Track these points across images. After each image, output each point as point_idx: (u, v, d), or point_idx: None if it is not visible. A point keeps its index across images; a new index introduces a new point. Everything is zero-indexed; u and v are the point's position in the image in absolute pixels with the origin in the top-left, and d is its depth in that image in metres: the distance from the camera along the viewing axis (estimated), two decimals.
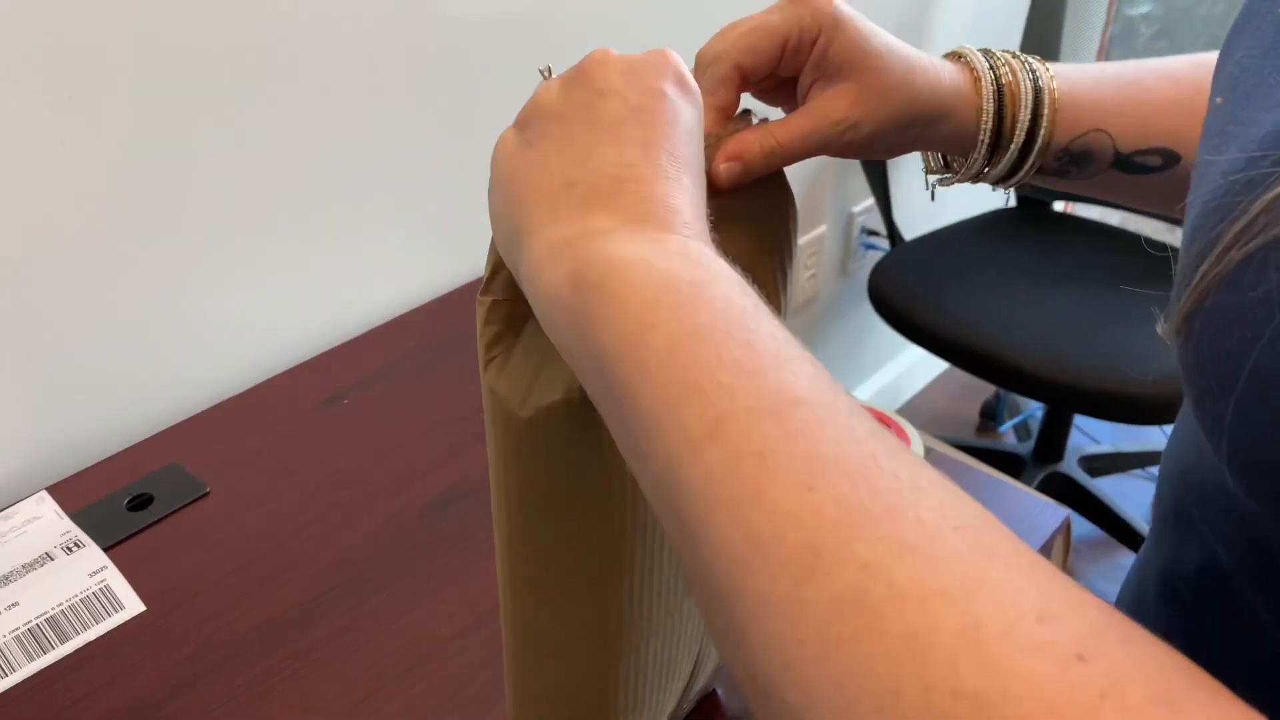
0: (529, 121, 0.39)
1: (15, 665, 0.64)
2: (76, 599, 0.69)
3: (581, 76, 0.38)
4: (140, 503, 0.77)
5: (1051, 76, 0.52)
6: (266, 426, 0.85)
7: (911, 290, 1.59)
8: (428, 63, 0.96)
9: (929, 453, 0.78)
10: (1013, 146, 0.52)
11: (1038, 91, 0.51)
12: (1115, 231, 1.72)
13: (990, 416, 2.10)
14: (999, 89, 0.51)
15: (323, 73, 0.88)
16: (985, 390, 2.16)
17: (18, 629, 0.67)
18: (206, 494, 0.78)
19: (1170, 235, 1.98)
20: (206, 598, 0.69)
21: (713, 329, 0.30)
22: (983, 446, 1.94)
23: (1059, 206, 1.85)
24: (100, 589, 0.70)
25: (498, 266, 0.40)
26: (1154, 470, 1.92)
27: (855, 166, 1.73)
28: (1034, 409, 2.05)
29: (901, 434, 0.70)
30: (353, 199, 0.96)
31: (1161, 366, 1.36)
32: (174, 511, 0.77)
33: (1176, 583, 0.45)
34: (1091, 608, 0.23)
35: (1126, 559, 1.78)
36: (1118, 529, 1.74)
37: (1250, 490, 0.32)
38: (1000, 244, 1.71)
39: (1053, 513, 0.75)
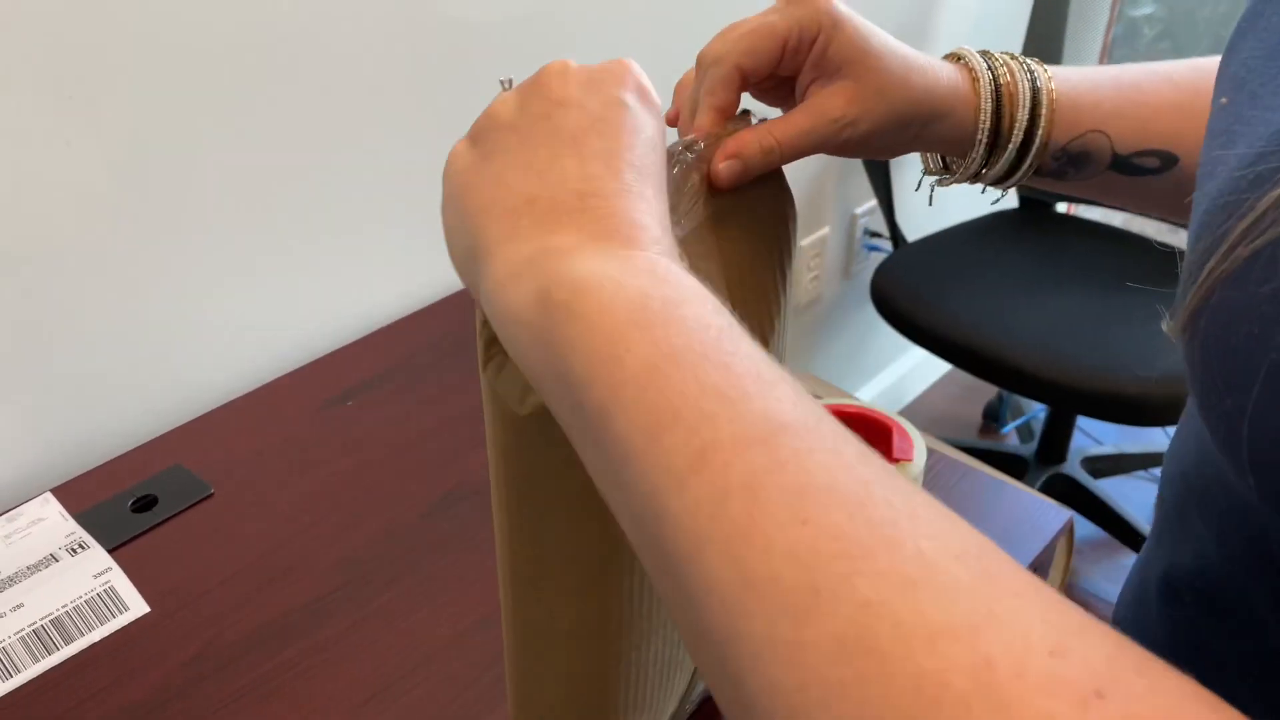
0: (484, 134, 0.37)
1: (20, 667, 0.64)
2: (81, 600, 0.69)
3: (539, 88, 0.37)
4: (144, 504, 0.77)
5: (1049, 78, 0.52)
6: (270, 428, 0.86)
7: (914, 292, 1.59)
8: (429, 63, 0.96)
9: (931, 454, 0.78)
10: (1011, 146, 0.52)
11: (1035, 92, 0.51)
12: (1118, 233, 1.72)
13: (993, 418, 2.10)
14: (997, 89, 0.51)
15: (324, 73, 0.89)
16: (988, 391, 2.15)
17: (22, 630, 0.67)
18: (210, 495, 0.79)
19: (1173, 237, 1.97)
20: (211, 599, 0.69)
21: (688, 351, 0.29)
22: (985, 448, 1.94)
23: (1061, 208, 1.85)
24: (105, 590, 0.70)
25: None
26: (1157, 471, 1.92)
27: (858, 168, 1.73)
28: (1037, 410, 2.05)
29: (905, 436, 0.70)
30: (355, 200, 0.96)
31: (1164, 368, 1.36)
32: (178, 513, 0.77)
33: (1177, 582, 0.45)
34: (1099, 635, 0.23)
35: (1129, 560, 1.77)
36: (1120, 530, 1.74)
37: (1260, 489, 0.32)
38: (1003, 245, 1.71)
39: (1055, 514, 0.75)
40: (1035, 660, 0.21)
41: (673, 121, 0.51)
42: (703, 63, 0.48)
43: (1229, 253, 0.31)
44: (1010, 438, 2.08)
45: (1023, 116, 0.51)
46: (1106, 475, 1.90)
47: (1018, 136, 0.52)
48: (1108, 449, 1.93)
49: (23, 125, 0.73)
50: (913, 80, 0.49)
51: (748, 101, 0.50)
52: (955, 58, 0.53)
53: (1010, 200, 1.89)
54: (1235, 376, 0.31)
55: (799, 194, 1.57)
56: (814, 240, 1.71)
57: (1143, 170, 0.53)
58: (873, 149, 0.50)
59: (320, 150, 0.91)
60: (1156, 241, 1.63)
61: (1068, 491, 1.78)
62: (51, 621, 0.67)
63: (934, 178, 0.58)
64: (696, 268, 0.45)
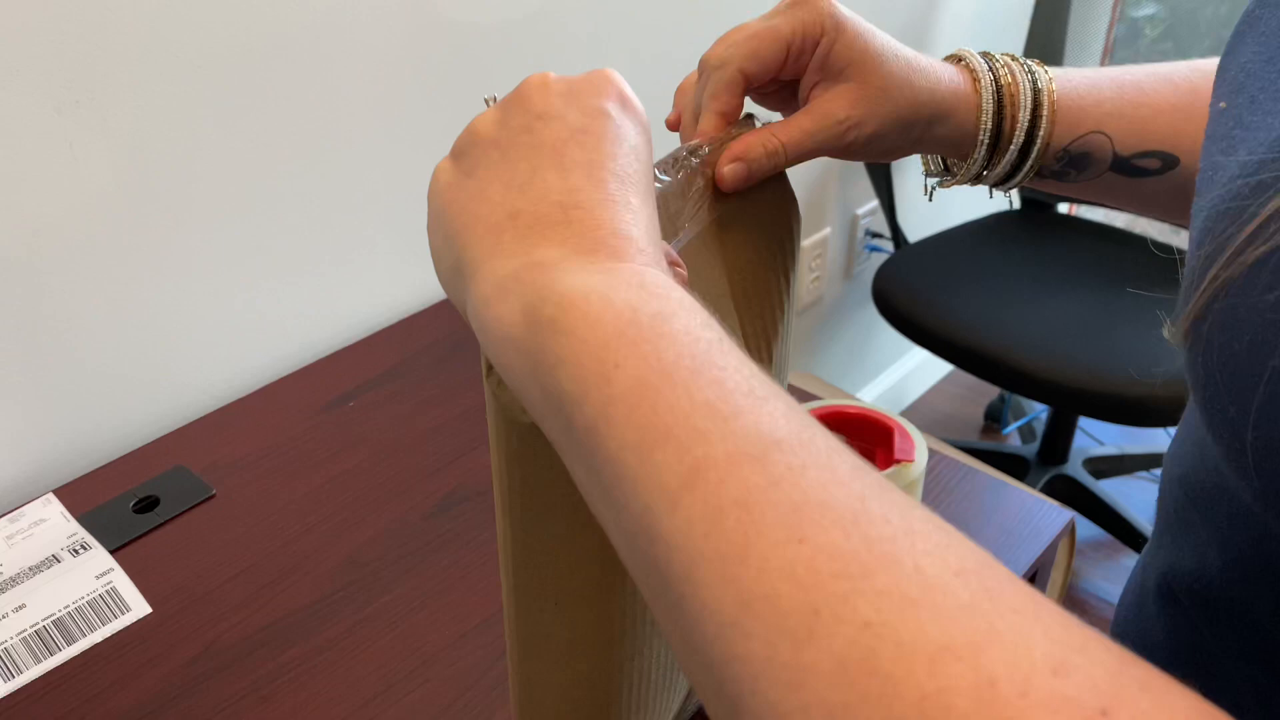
0: (466, 150, 0.37)
1: (22, 667, 0.65)
2: (83, 601, 0.69)
3: (519, 101, 0.36)
4: (147, 505, 0.78)
5: (1050, 79, 0.52)
6: (272, 429, 0.86)
7: (916, 292, 1.59)
8: (433, 66, 0.96)
9: (933, 455, 0.78)
10: (1012, 147, 0.52)
11: (1036, 93, 0.51)
12: (1120, 233, 1.71)
13: (995, 419, 2.10)
14: (998, 90, 0.51)
15: (328, 75, 0.89)
16: (990, 392, 2.15)
17: (24, 631, 0.67)
18: (212, 496, 0.79)
19: (1176, 238, 1.97)
20: (212, 600, 0.70)
21: (679, 367, 0.28)
22: (987, 449, 1.94)
23: (1063, 208, 1.85)
24: (106, 591, 0.70)
25: None
26: (1158, 472, 1.92)
27: (860, 169, 1.73)
28: (1038, 411, 2.05)
29: (906, 437, 0.70)
30: (357, 201, 0.96)
31: (1166, 369, 1.36)
32: (180, 514, 0.77)
33: (1177, 585, 0.45)
34: (1102, 650, 0.22)
35: (1131, 561, 1.77)
36: (1122, 531, 1.73)
37: (1263, 495, 0.32)
38: (1005, 246, 1.71)
39: (1057, 515, 0.75)
40: (1039, 678, 0.21)
41: (674, 126, 0.51)
42: (706, 67, 0.48)
43: (1232, 259, 0.31)
44: (1012, 438, 2.08)
45: (1024, 117, 0.51)
46: (1108, 476, 1.90)
47: (1019, 138, 0.52)
48: (1109, 450, 1.93)
49: (30, 129, 0.73)
50: (915, 82, 0.49)
51: (750, 106, 0.50)
52: (956, 59, 0.53)
53: (1012, 199, 1.89)
54: (1238, 384, 0.31)
55: (800, 195, 1.57)
56: (816, 241, 1.71)
57: (1143, 171, 0.53)
58: (876, 151, 0.50)
59: (323, 151, 0.91)
60: (1154, 243, 1.63)
61: (1069, 492, 1.78)
62: (53, 622, 0.68)
63: (935, 179, 0.58)
64: (701, 272, 0.46)
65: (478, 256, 0.34)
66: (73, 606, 0.69)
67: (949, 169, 0.57)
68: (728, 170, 0.45)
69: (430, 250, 0.38)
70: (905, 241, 1.74)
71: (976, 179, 0.55)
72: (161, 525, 0.76)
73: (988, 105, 0.51)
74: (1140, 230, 1.78)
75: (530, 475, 0.41)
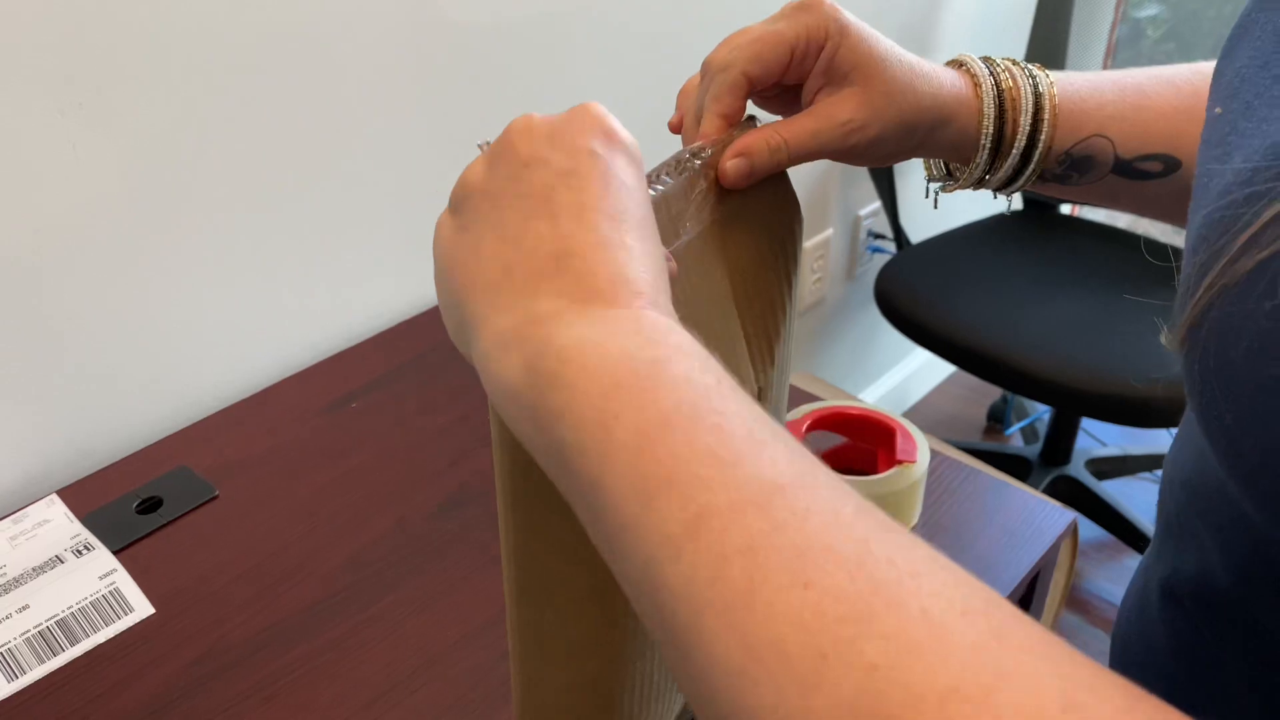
0: (460, 203, 0.37)
1: (26, 668, 0.65)
2: (86, 602, 0.69)
3: (505, 148, 0.36)
4: (149, 506, 0.78)
5: (1051, 83, 0.52)
6: (275, 430, 0.86)
7: (918, 293, 1.59)
8: (437, 68, 0.97)
9: (935, 456, 0.78)
10: (1014, 151, 0.52)
11: (1038, 97, 0.51)
12: (1123, 234, 1.71)
13: (997, 419, 2.10)
14: (999, 94, 0.51)
15: (331, 77, 0.89)
16: (992, 393, 2.15)
17: (28, 631, 0.67)
18: (215, 497, 0.79)
19: (1178, 238, 1.97)
20: (215, 600, 0.70)
21: (678, 414, 0.29)
22: (990, 449, 1.94)
23: (1066, 209, 1.85)
24: (110, 592, 0.70)
25: None
26: (1160, 473, 1.91)
27: (862, 169, 1.73)
28: (1041, 412, 2.05)
29: (908, 437, 0.70)
30: (360, 202, 0.96)
31: (1169, 370, 1.36)
32: (183, 514, 0.77)
33: (1178, 588, 0.45)
34: (1112, 689, 0.22)
35: (1133, 562, 1.77)
36: (1125, 532, 1.73)
37: (1260, 501, 0.32)
38: (1007, 247, 1.71)
39: (1060, 516, 0.75)
40: (1050, 718, 0.21)
41: (676, 128, 0.51)
42: (709, 69, 0.48)
43: (1227, 267, 0.31)
44: (1014, 439, 2.08)
45: (1025, 121, 0.51)
46: (1111, 477, 1.90)
47: (1020, 141, 0.52)
48: (1112, 451, 1.93)
49: (35, 131, 0.73)
50: (918, 86, 0.49)
51: (752, 109, 0.50)
52: (957, 64, 0.53)
53: (1015, 201, 1.89)
54: (1235, 390, 0.31)
55: (802, 195, 1.57)
56: (818, 242, 1.71)
57: (1145, 174, 0.53)
58: (877, 155, 0.50)
59: (326, 153, 0.91)
60: (1146, 246, 1.63)
61: (1072, 493, 1.78)
62: (57, 623, 0.68)
63: (938, 184, 0.58)
64: (703, 273, 0.46)
65: (478, 314, 0.34)
66: (76, 607, 0.69)
67: (951, 173, 0.57)
68: (730, 165, 0.45)
69: (439, 303, 0.38)
70: (908, 242, 1.74)
71: (979, 183, 0.55)
72: (164, 526, 0.76)
73: (989, 109, 0.51)
74: (1143, 231, 1.78)
75: (532, 477, 0.41)
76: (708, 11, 1.22)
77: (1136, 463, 1.92)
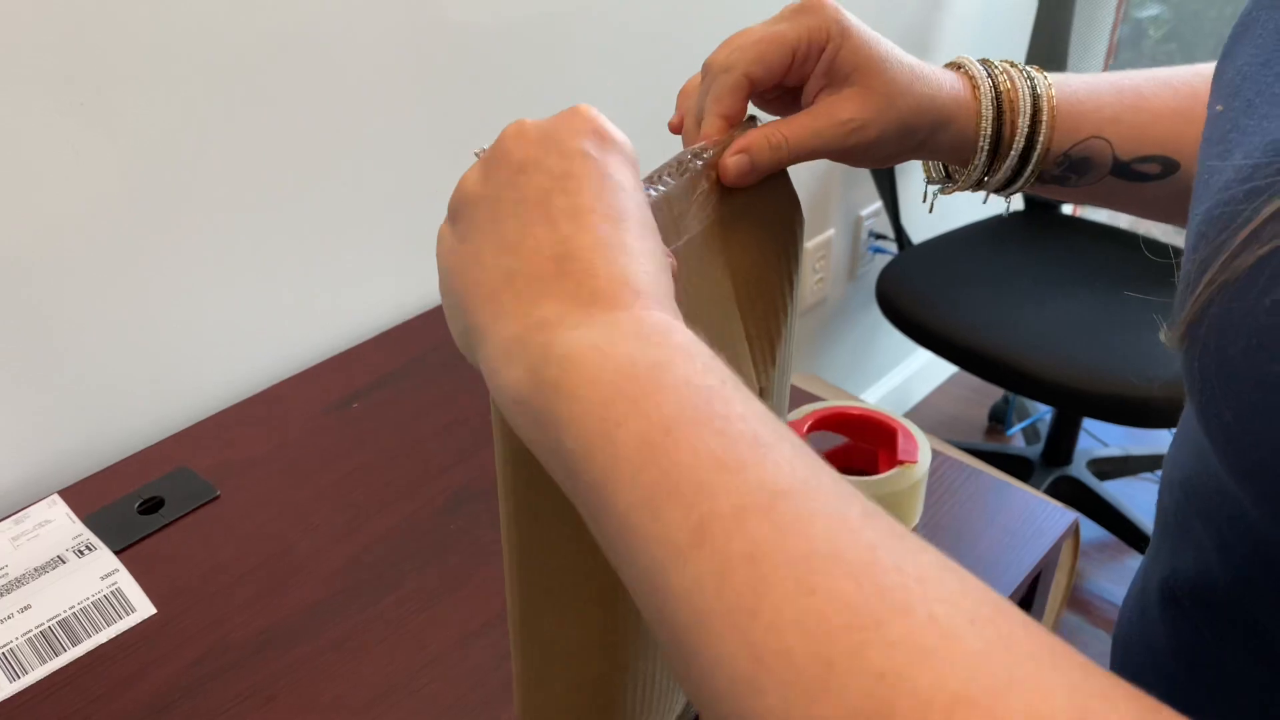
0: (458, 211, 0.37)
1: (28, 668, 0.65)
2: (88, 602, 0.69)
3: (500, 155, 0.36)
4: (151, 506, 0.78)
5: (1050, 85, 0.52)
6: (276, 430, 0.86)
7: (919, 294, 1.59)
8: (438, 67, 0.97)
9: (937, 456, 0.78)
10: (1012, 153, 0.52)
11: (1036, 99, 0.52)
12: (1124, 234, 1.71)
13: (999, 420, 2.10)
14: (997, 96, 0.52)
15: (332, 77, 0.89)
16: (994, 394, 2.15)
17: (30, 631, 0.67)
18: (217, 497, 0.79)
19: (1178, 238, 1.97)
20: (217, 600, 0.70)
21: (680, 420, 0.28)
22: (991, 450, 1.94)
23: (1067, 209, 1.85)
24: (111, 592, 0.70)
25: None
26: None
27: (863, 170, 1.73)
28: (1043, 412, 2.05)
29: (909, 438, 0.70)
30: (361, 202, 0.96)
31: (1170, 370, 1.36)
32: (185, 515, 0.77)
33: (1178, 588, 0.45)
34: (1123, 698, 0.22)
35: (1135, 562, 1.77)
36: (1127, 532, 1.73)
37: (1259, 499, 0.32)
38: (1009, 247, 1.71)
39: (1061, 516, 0.75)
40: None
41: (676, 128, 0.51)
42: (710, 70, 0.48)
43: (1228, 263, 0.31)
44: (1016, 440, 2.08)
45: (1023, 123, 0.51)
46: (1112, 477, 1.90)
47: (1019, 143, 0.52)
48: (1114, 451, 1.93)
49: (29, 130, 0.73)
50: (918, 89, 0.49)
51: (753, 111, 0.50)
52: (956, 66, 0.53)
53: (1016, 202, 1.89)
54: (1234, 387, 0.31)
55: (804, 196, 1.57)
56: (819, 242, 1.71)
57: (1144, 176, 0.53)
58: (877, 156, 0.50)
59: (327, 153, 0.91)
60: (1145, 243, 1.63)
61: (1073, 493, 1.78)
62: (59, 623, 0.68)
63: (937, 186, 0.59)
64: (704, 273, 0.46)
65: (482, 322, 0.34)
66: (78, 607, 0.69)
67: (950, 175, 0.58)
68: (732, 162, 0.46)
69: (445, 311, 0.38)
70: (909, 243, 1.74)
71: (978, 185, 0.55)
72: (166, 526, 0.76)
73: (987, 112, 0.51)
74: (1144, 231, 1.78)
75: (535, 477, 0.41)
76: (708, 12, 1.22)
77: (1138, 463, 1.92)
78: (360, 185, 0.95)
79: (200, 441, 0.85)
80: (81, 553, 0.73)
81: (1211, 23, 2.08)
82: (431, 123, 0.98)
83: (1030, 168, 0.53)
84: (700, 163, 0.45)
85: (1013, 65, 0.53)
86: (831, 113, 0.48)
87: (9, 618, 0.68)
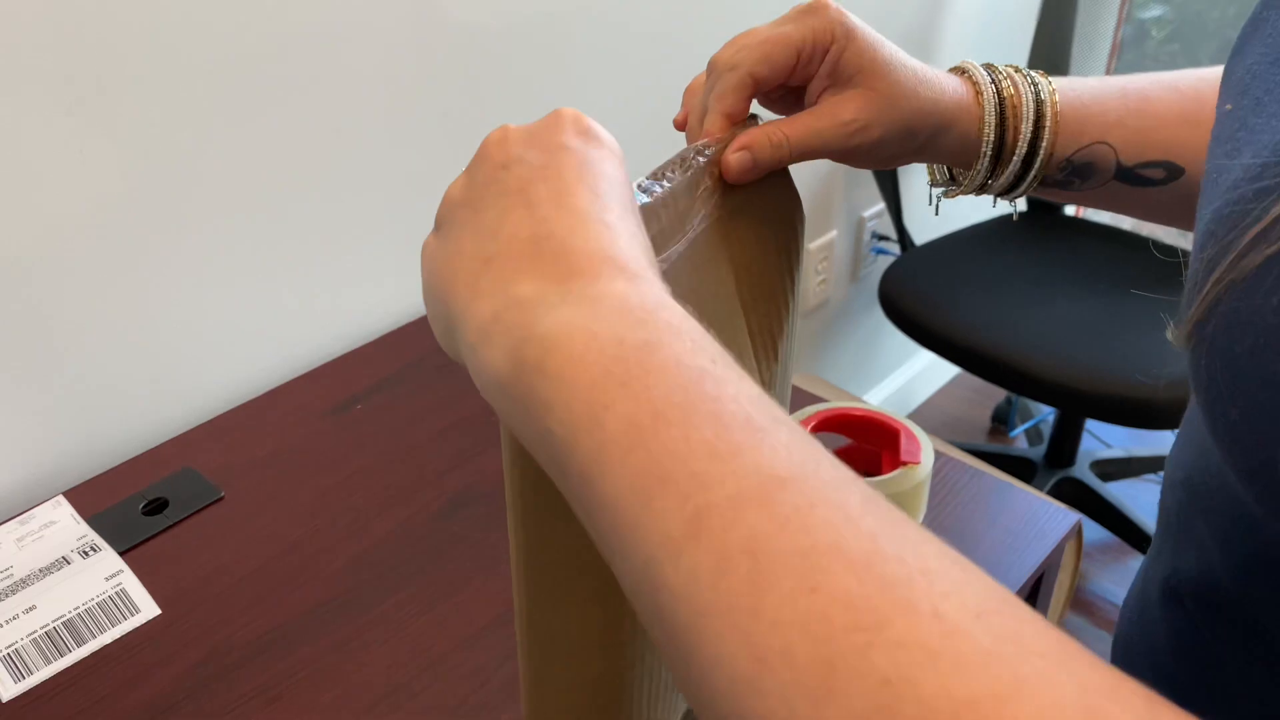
0: (442, 219, 0.37)
1: (33, 668, 0.65)
2: (92, 602, 0.69)
3: (482, 160, 0.36)
4: (155, 507, 0.78)
5: (1053, 90, 0.52)
6: (280, 432, 0.86)
7: (922, 295, 1.59)
8: (440, 69, 0.97)
9: (939, 457, 0.78)
10: (1015, 158, 0.52)
11: (1039, 104, 0.52)
12: (1127, 236, 1.71)
13: (1002, 421, 2.10)
14: (1000, 101, 0.52)
15: (334, 79, 0.89)
16: (997, 395, 2.15)
17: (35, 632, 0.67)
18: (221, 498, 0.79)
19: (1183, 240, 1.96)
20: (221, 601, 0.70)
21: (670, 403, 0.27)
22: (994, 451, 1.94)
23: (1070, 210, 1.85)
24: (116, 593, 0.70)
25: None
26: None
27: (866, 171, 1.73)
28: (1045, 413, 2.05)
29: (912, 439, 0.70)
30: (363, 204, 0.96)
31: (1173, 371, 1.36)
32: (189, 516, 0.77)
33: (1180, 587, 0.45)
34: (1131, 696, 0.22)
35: (1138, 564, 1.76)
36: (1129, 534, 1.73)
37: (1264, 498, 0.32)
38: (1011, 248, 1.71)
39: (1064, 517, 0.75)
40: None
41: (681, 125, 0.52)
42: (715, 69, 0.48)
43: (1236, 262, 0.31)
44: (1019, 441, 2.08)
45: (1026, 129, 0.51)
46: (1115, 478, 1.90)
47: (1022, 148, 0.52)
48: (1116, 452, 1.92)
49: (30, 130, 0.73)
50: (921, 92, 0.49)
51: (756, 109, 0.50)
52: (960, 71, 0.53)
53: (1019, 206, 1.89)
54: (1241, 386, 0.31)
55: (806, 197, 1.57)
56: (822, 244, 1.71)
57: (1148, 181, 0.53)
58: (879, 157, 0.51)
59: (328, 154, 0.91)
60: (1155, 245, 1.63)
61: (1076, 495, 1.78)
62: (63, 623, 0.68)
63: (940, 189, 0.59)
64: (707, 269, 0.46)
65: (460, 306, 0.33)
66: (82, 608, 0.69)
67: (954, 178, 0.58)
68: (734, 158, 0.46)
69: (429, 317, 0.37)
70: (911, 244, 1.74)
71: (981, 189, 0.55)
72: (170, 527, 0.76)
73: (990, 117, 0.51)
74: (1148, 232, 1.78)
75: (540, 475, 0.41)
76: (708, 12, 1.22)
77: (1141, 464, 1.92)
78: (362, 186, 0.95)
79: (204, 443, 0.85)
80: (86, 554, 0.73)
81: (1215, 24, 2.07)
82: (432, 123, 0.98)
83: (1033, 173, 0.53)
84: (703, 159, 0.45)
85: (1017, 70, 0.53)
86: (834, 113, 0.48)
87: (14, 618, 0.68)
